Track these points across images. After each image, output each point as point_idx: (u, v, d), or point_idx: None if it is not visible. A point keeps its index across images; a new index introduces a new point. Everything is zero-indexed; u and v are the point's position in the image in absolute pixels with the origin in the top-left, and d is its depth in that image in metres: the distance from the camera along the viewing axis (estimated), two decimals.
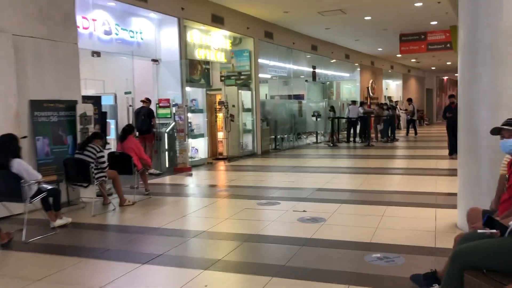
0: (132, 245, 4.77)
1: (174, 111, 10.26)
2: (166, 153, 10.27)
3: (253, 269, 3.95)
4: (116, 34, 9.46)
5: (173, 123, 10.25)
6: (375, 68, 24.20)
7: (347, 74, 21.95)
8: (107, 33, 9.22)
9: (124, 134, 7.24)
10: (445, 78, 39.94)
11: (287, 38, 15.38)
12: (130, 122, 9.43)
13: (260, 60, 14.32)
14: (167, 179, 9.19)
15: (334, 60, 19.99)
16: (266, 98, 19.39)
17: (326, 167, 10.33)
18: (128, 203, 6.66)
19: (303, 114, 17.29)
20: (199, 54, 11.59)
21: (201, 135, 11.41)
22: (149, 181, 7.68)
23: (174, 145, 10.22)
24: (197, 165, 10.93)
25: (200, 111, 11.42)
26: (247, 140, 13.46)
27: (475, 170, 4.79)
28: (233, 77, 13.42)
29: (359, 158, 12.40)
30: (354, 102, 17.83)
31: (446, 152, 11.16)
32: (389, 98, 26.82)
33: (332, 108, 17.19)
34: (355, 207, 6.21)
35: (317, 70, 18.93)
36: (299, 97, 22.61)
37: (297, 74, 18.53)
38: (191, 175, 9.52)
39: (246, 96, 13.35)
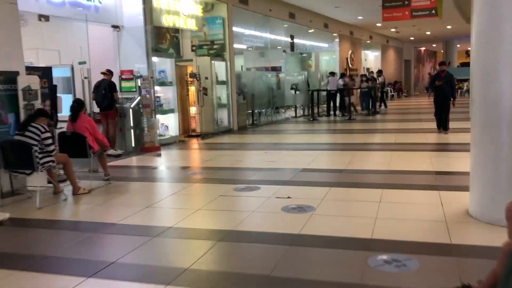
0: (79, 249, 3.84)
1: (139, 84, 9.19)
2: (132, 131, 9.24)
3: (229, 283, 3.10)
4: None
5: (139, 98, 9.20)
6: (354, 38, 23.31)
7: (325, 45, 21.01)
8: None
9: (74, 112, 6.18)
10: (423, 49, 39.45)
11: (264, 5, 14.28)
12: (87, 97, 8.34)
13: (234, 29, 13.22)
14: (133, 161, 8.22)
15: (312, 30, 18.99)
16: (241, 70, 18.43)
17: (309, 144, 9.51)
18: (83, 192, 5.69)
19: (282, 87, 16.37)
20: (167, 21, 10.44)
21: (171, 111, 10.39)
22: (110, 164, 6.70)
23: (141, 122, 9.20)
24: (167, 143, 9.96)
25: (170, 84, 10.36)
26: (222, 115, 12.50)
27: (493, 149, 4.01)
28: (205, 47, 12.32)
29: (343, 133, 11.63)
30: (333, 74, 16.98)
31: (433, 125, 10.49)
32: (368, 69, 26.09)
33: (307, 83, 16.29)
34: (347, 192, 5.41)
35: (295, 41, 17.92)
36: (276, 69, 21.68)
37: (274, 45, 17.48)
38: (159, 155, 8.56)
39: (220, 68, 12.31)
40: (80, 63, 8.35)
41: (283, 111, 18.73)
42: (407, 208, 4.60)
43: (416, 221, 4.17)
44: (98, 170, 6.62)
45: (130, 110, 9.19)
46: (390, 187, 5.40)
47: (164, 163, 7.94)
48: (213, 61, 11.84)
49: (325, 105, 17.02)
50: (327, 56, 22.10)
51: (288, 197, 5.02)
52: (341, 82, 17.11)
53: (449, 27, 23.95)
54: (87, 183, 5.94)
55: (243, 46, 16.59)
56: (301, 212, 4.50)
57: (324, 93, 16.92)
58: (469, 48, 40.56)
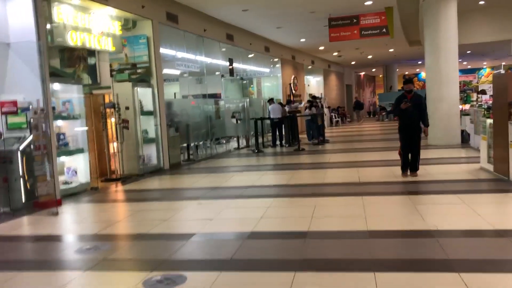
0: None
1: (31, 119, 6.98)
2: (21, 181, 6.94)
3: None
4: None
5: (31, 137, 6.96)
6: (296, 63, 22.16)
7: (267, 70, 19.58)
8: None
9: None
10: (362, 74, 39.50)
11: (197, 23, 12.53)
12: None
13: (163, 50, 11.33)
14: (12, 225, 5.93)
15: (252, 55, 17.50)
16: (175, 97, 16.49)
17: (255, 188, 7.63)
18: None
19: (222, 115, 14.56)
20: (74, 40, 8.35)
21: (80, 151, 8.19)
22: None
23: (34, 168, 6.93)
24: (75, 193, 7.73)
25: (77, 117, 8.20)
26: (150, 151, 10.40)
27: None
28: (126, 71, 10.29)
29: (293, 169, 9.90)
30: (273, 100, 15.45)
31: (393, 155, 9.04)
32: (310, 95, 24.99)
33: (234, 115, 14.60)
34: (322, 278, 3.55)
35: (235, 65, 16.29)
36: (215, 96, 20.06)
37: (212, 70, 15.74)
38: (56, 213, 6.33)
39: (145, 95, 10.30)
40: None
41: (223, 142, 16.94)
42: None
43: None
44: None
45: (19, 153, 6.91)
46: (387, 269, 3.62)
47: (54, 228, 5.73)
48: (136, 88, 9.82)
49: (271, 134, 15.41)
50: (270, 81, 20.69)
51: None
52: (287, 108, 15.63)
53: (391, 50, 23.49)
54: None
55: (176, 71, 14.74)
56: None
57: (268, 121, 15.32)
58: (406, 72, 41.10)
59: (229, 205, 6.29)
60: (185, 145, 12.29)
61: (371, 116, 37.67)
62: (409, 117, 7.40)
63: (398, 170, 7.91)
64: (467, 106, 13.28)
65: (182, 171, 10.46)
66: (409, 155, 7.53)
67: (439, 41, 11.96)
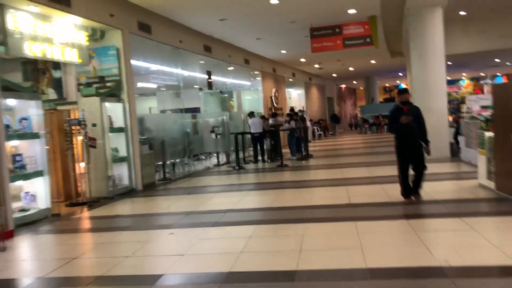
0: None
1: None
2: None
3: None
4: None
5: None
6: (277, 75, 21.61)
7: (248, 83, 18.95)
8: None
9: None
10: (343, 86, 39.29)
11: (172, 34, 11.83)
12: None
13: (135, 63, 10.60)
14: None
15: (232, 68, 16.86)
16: (150, 112, 15.72)
17: (236, 212, 6.87)
18: None
19: (200, 130, 13.80)
20: (32, 50, 7.55)
21: (39, 173, 7.32)
22: None
23: None
24: (33, 221, 6.85)
25: (35, 136, 7.35)
26: (121, 171, 9.56)
27: None
28: (94, 85, 9.48)
29: (278, 189, 9.19)
30: (253, 114, 14.78)
31: (387, 170, 8.43)
32: (292, 108, 24.39)
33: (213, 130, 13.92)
34: None
35: (214, 78, 15.61)
36: (195, 111, 19.40)
37: (189, 83, 15.05)
38: (3, 249, 5.46)
39: (115, 111, 9.50)
40: None
41: (203, 158, 16.17)
42: None
43: None
44: None
45: None
46: None
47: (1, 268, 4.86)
48: (104, 103, 9.01)
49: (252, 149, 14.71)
50: (250, 95, 20.06)
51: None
52: (271, 121, 14.97)
53: (373, 61, 23.17)
54: None
55: (152, 85, 14.02)
56: None
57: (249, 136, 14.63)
58: (387, 84, 41.01)
59: (205, 234, 5.52)
60: (160, 163, 11.48)
61: (353, 128, 37.37)
62: (409, 132, 6.40)
63: (390, 188, 7.27)
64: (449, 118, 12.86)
65: (156, 192, 9.64)
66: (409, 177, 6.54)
67: (425, 49, 11.51)
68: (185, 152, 12.43)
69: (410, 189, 6.53)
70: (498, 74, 39.99)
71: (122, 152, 9.64)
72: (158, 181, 11.15)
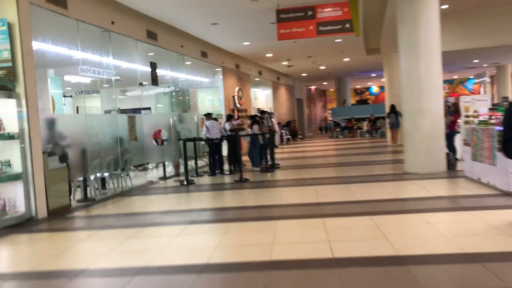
0: None
1: None
2: None
3: None
4: None
5: None
6: (241, 73, 19.15)
7: (206, 79, 16.37)
8: None
9: None
10: (313, 87, 37.25)
11: (101, 12, 9.19)
12: None
13: (39, 45, 7.95)
14: None
15: (189, 62, 14.28)
16: (77, 112, 13.01)
17: (158, 271, 4.34)
18: None
19: (141, 135, 11.13)
20: None
21: None
22: None
23: None
24: None
25: None
26: (13, 194, 6.87)
27: None
28: None
29: (228, 222, 6.71)
30: (210, 116, 12.28)
31: (371, 189, 6.11)
32: (259, 109, 21.99)
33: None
34: None
35: (163, 72, 12.99)
36: (137, 111, 16.85)
37: (129, 77, 12.35)
38: None
39: (6, 111, 6.81)
40: None
41: (149, 166, 13.60)
42: None
43: None
44: None
45: None
46: None
47: None
48: None
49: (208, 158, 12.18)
50: (209, 93, 17.53)
51: None
52: (227, 126, 12.51)
53: (346, 59, 21.06)
54: None
55: (85, 79, 11.36)
56: None
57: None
58: (358, 86, 39.31)
59: None
60: (81, 178, 8.82)
61: (323, 132, 35.36)
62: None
63: (386, 224, 4.91)
64: None
65: (64, 222, 6.99)
66: None
67: (418, 40, 9.31)
68: (118, 164, 9.76)
69: None
70: (471, 77, 38.94)
71: (16, 168, 6.94)
72: (78, 202, 8.51)
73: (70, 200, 8.25)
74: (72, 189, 8.72)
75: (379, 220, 5.50)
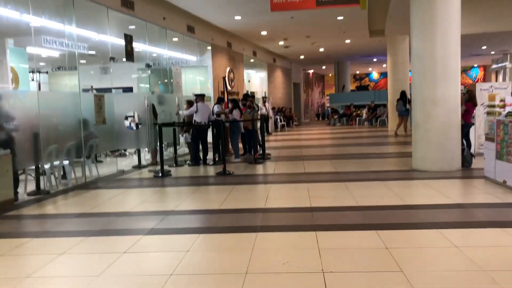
0: None
1: None
2: None
3: None
4: None
5: None
6: (234, 52, 17.69)
7: (193, 58, 14.92)
8: None
9: None
10: (311, 72, 35.75)
11: None
12: None
13: None
14: None
15: (175, 39, 12.83)
16: (39, 89, 11.63)
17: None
18: None
19: (112, 118, 9.73)
20: None
21: None
22: None
23: None
24: None
25: None
26: None
27: None
28: None
29: (199, 233, 5.43)
30: (203, 98, 10.88)
31: (375, 193, 4.83)
32: (247, 93, 20.48)
33: (154, 109, 10.26)
34: None
35: (140, 47, 11.58)
36: (128, 90, 15.81)
37: (106, 52, 10.93)
38: None
39: None
40: None
41: (126, 153, 12.36)
42: None
43: None
44: None
45: None
46: None
47: None
48: None
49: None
50: (195, 73, 16.13)
51: None
52: (216, 109, 11.15)
53: (348, 41, 19.60)
54: None
55: (54, 53, 10.01)
56: None
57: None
58: (357, 72, 37.77)
59: None
60: (33, 167, 7.49)
61: (320, 119, 34.02)
62: None
63: (397, 239, 3.62)
64: None
65: (5, 222, 5.67)
66: None
67: (434, 15, 7.93)
68: (81, 151, 8.40)
69: None
70: (475, 65, 37.56)
71: None
72: (28, 195, 7.19)
73: (16, 193, 6.94)
74: (26, 180, 7.43)
75: (387, 238, 4.22)
